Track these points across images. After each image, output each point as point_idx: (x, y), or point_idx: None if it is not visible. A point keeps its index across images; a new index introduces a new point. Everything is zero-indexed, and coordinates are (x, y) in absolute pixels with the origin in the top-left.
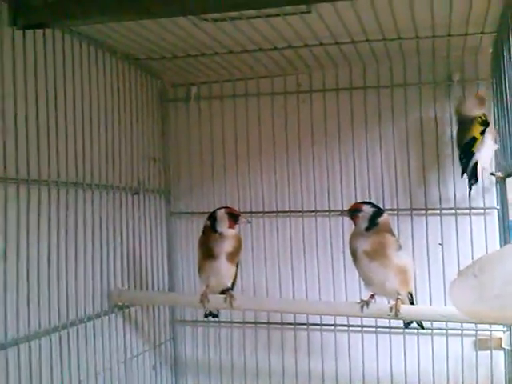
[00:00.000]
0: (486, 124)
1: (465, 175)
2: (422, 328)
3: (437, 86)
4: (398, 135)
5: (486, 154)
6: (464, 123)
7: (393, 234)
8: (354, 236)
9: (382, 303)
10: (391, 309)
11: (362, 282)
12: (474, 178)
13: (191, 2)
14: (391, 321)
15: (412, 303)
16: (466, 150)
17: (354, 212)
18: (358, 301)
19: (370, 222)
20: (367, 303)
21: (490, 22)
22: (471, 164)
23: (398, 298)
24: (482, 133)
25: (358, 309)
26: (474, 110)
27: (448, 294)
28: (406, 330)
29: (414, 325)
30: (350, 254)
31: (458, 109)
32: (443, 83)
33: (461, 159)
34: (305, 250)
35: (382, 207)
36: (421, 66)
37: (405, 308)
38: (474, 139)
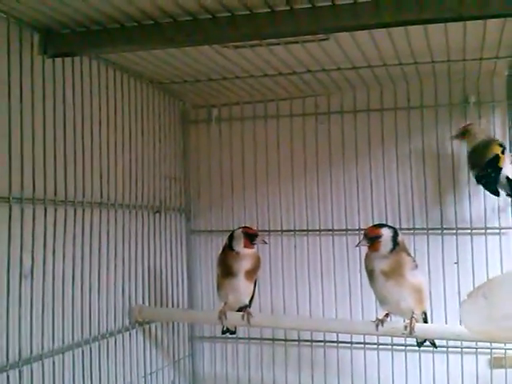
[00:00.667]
0: (503, 146)
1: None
2: (435, 347)
3: (453, 108)
4: (414, 156)
5: (506, 171)
6: (480, 145)
7: (408, 254)
8: (372, 257)
9: (397, 322)
10: (406, 327)
11: (378, 302)
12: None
13: (213, 32)
14: (406, 339)
15: (426, 322)
16: (494, 165)
17: (374, 238)
18: (374, 319)
19: (393, 243)
20: (382, 322)
21: (504, 46)
22: (502, 181)
23: (413, 317)
24: (502, 152)
25: (373, 327)
26: (483, 135)
27: (460, 314)
28: (422, 348)
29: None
30: (367, 274)
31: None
32: (459, 105)
33: (484, 176)
34: (322, 268)
35: (395, 227)
36: (437, 89)
37: (419, 326)
38: (498, 156)
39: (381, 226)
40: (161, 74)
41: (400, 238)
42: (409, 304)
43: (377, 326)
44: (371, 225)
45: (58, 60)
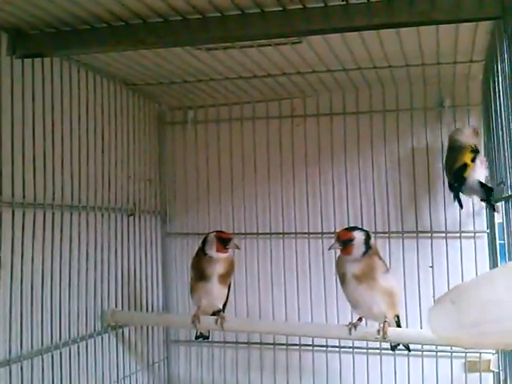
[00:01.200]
0: (476, 151)
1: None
2: (409, 350)
3: (428, 112)
4: (389, 159)
5: (477, 177)
6: (454, 150)
7: (380, 257)
8: (344, 260)
9: (371, 326)
10: (378, 331)
11: (350, 306)
12: (490, 196)
13: (184, 34)
14: (382, 343)
15: (399, 326)
16: (458, 176)
17: (346, 241)
18: (347, 323)
19: (365, 246)
20: (355, 326)
21: (477, 50)
22: (473, 187)
23: (385, 321)
24: (473, 160)
25: (347, 331)
26: (468, 140)
27: (427, 320)
28: (397, 352)
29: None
30: (339, 277)
31: (452, 136)
32: (434, 109)
33: (452, 185)
34: (297, 271)
35: (368, 230)
36: (412, 92)
37: (392, 331)
38: (465, 165)
39: (353, 228)
40: (134, 75)
41: (372, 241)
42: (381, 308)
43: (350, 330)
44: (343, 228)
45: (28, 61)
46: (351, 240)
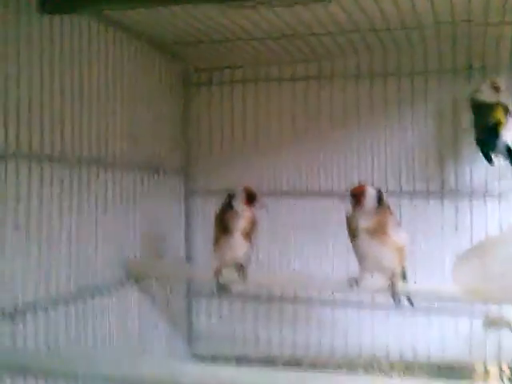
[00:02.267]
0: (507, 110)
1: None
2: (412, 305)
3: (457, 74)
4: (416, 121)
5: (507, 138)
6: (483, 107)
7: (391, 213)
8: (355, 215)
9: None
10: (388, 285)
11: (358, 260)
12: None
13: None
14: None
15: (404, 278)
16: (492, 133)
17: (359, 195)
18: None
19: (377, 201)
20: (356, 280)
21: (510, 11)
22: (501, 149)
23: (394, 275)
24: (505, 118)
25: (347, 285)
26: (491, 97)
27: (451, 273)
28: (416, 308)
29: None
30: (349, 232)
31: (472, 97)
32: (464, 71)
33: (481, 140)
34: (321, 229)
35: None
36: (441, 54)
37: (401, 285)
38: (500, 122)
39: (365, 185)
40: (163, 34)
41: (384, 196)
42: (391, 262)
43: (351, 284)
44: None
45: (56, 17)
46: (363, 194)
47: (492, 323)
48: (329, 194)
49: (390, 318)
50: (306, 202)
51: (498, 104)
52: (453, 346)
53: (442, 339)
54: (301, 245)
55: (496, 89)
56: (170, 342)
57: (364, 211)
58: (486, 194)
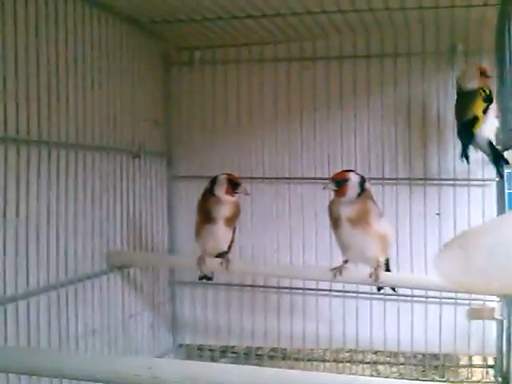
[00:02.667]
0: (489, 100)
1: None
2: (394, 291)
3: (440, 56)
4: (400, 104)
5: (490, 131)
6: (464, 96)
7: (374, 202)
8: (337, 203)
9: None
10: (371, 275)
11: (341, 249)
12: (499, 160)
13: None
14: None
15: (388, 269)
16: (467, 130)
17: (341, 182)
18: (333, 267)
19: (360, 188)
20: (340, 270)
21: None
22: (482, 146)
23: (378, 265)
24: (485, 111)
25: (331, 275)
26: (474, 82)
27: (433, 264)
28: (401, 298)
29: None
30: (331, 221)
31: (458, 81)
32: (447, 53)
33: (460, 135)
34: (303, 216)
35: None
36: (425, 36)
37: (384, 275)
38: (476, 118)
39: (348, 171)
40: (141, 13)
41: (367, 184)
42: (374, 252)
43: (334, 275)
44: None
45: None
46: (346, 181)
47: (476, 313)
48: (312, 179)
49: (374, 307)
50: (289, 187)
51: (479, 93)
52: (436, 334)
53: (426, 328)
54: (283, 231)
55: (483, 72)
56: (154, 331)
57: (346, 199)
58: (469, 182)
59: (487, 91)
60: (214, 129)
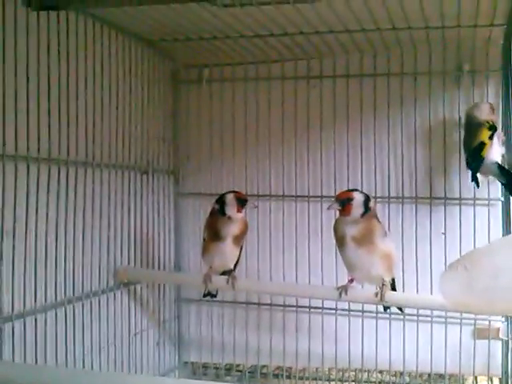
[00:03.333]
0: (493, 128)
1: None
2: (402, 311)
3: (447, 76)
4: (406, 123)
5: (496, 156)
6: (472, 127)
7: (379, 221)
8: (342, 223)
9: (368, 289)
10: (376, 294)
11: (346, 268)
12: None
13: None
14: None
15: (394, 289)
16: (476, 155)
17: (345, 201)
18: (337, 287)
19: (364, 207)
20: (345, 289)
21: (499, 14)
22: (492, 169)
23: (384, 285)
24: (491, 137)
25: (337, 294)
26: (484, 116)
27: (438, 284)
28: (407, 317)
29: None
30: (336, 240)
31: (469, 112)
32: (453, 73)
33: (469, 163)
34: (309, 234)
35: (371, 195)
36: (431, 56)
37: (389, 294)
38: (483, 144)
39: (353, 190)
40: (150, 31)
41: (372, 203)
42: (379, 271)
43: (340, 293)
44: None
45: (43, 14)
46: (350, 200)
47: (481, 333)
48: (318, 197)
49: (380, 326)
50: (296, 205)
51: (484, 124)
52: (442, 354)
53: (431, 348)
54: (289, 249)
55: (492, 108)
56: (159, 349)
57: (350, 218)
58: (474, 201)
59: (491, 122)
60: (222, 146)
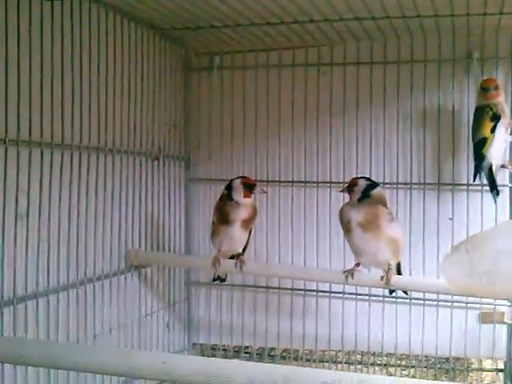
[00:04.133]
0: (496, 118)
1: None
2: (406, 294)
3: (456, 63)
4: (415, 111)
5: (498, 150)
6: (477, 112)
7: (386, 206)
8: (347, 208)
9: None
10: (382, 278)
11: (353, 253)
12: (494, 189)
13: None
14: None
15: (399, 273)
16: (477, 152)
17: (351, 187)
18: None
19: (362, 193)
20: (352, 272)
21: (508, 2)
22: (485, 169)
23: (390, 269)
24: (493, 129)
25: (344, 278)
26: (486, 99)
27: (440, 267)
28: (413, 301)
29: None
30: (342, 225)
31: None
32: (463, 61)
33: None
34: (318, 219)
35: (377, 181)
36: (441, 43)
37: (395, 278)
38: (484, 139)
39: (363, 177)
40: (162, 19)
41: (376, 191)
42: (385, 256)
43: (346, 277)
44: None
45: (57, 3)
46: (355, 185)
47: (486, 317)
48: (327, 183)
49: (386, 309)
50: (305, 191)
51: (486, 112)
52: (447, 338)
53: (437, 331)
54: (297, 234)
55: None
56: (169, 331)
57: (355, 203)
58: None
59: (494, 109)
60: (232, 133)
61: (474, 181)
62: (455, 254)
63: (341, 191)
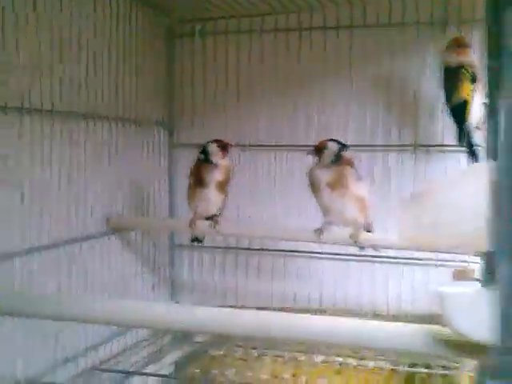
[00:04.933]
0: (475, 80)
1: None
2: (375, 250)
3: (434, 27)
4: (395, 74)
5: (477, 113)
6: (450, 73)
7: (353, 167)
8: (316, 169)
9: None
10: (351, 236)
11: (322, 212)
12: (473, 155)
13: None
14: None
15: (369, 231)
16: (459, 116)
17: (320, 150)
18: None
19: (335, 156)
20: (322, 230)
21: None
22: (466, 135)
23: (358, 227)
24: (472, 92)
25: (316, 236)
26: (458, 58)
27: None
28: (388, 260)
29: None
30: (310, 185)
31: (441, 59)
32: (440, 23)
33: (453, 119)
34: (297, 182)
35: (346, 143)
36: (418, 6)
37: (363, 236)
38: (465, 103)
39: (330, 140)
40: None
41: (346, 153)
42: (352, 213)
43: (318, 235)
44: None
45: None
46: (324, 148)
47: (460, 275)
48: (307, 147)
49: (363, 269)
50: (287, 155)
51: (463, 73)
52: (423, 296)
53: (412, 290)
54: (281, 196)
55: (461, 46)
56: (153, 293)
57: (324, 165)
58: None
59: (470, 70)
60: (215, 99)
61: (459, 142)
62: (407, 205)
63: (308, 154)
